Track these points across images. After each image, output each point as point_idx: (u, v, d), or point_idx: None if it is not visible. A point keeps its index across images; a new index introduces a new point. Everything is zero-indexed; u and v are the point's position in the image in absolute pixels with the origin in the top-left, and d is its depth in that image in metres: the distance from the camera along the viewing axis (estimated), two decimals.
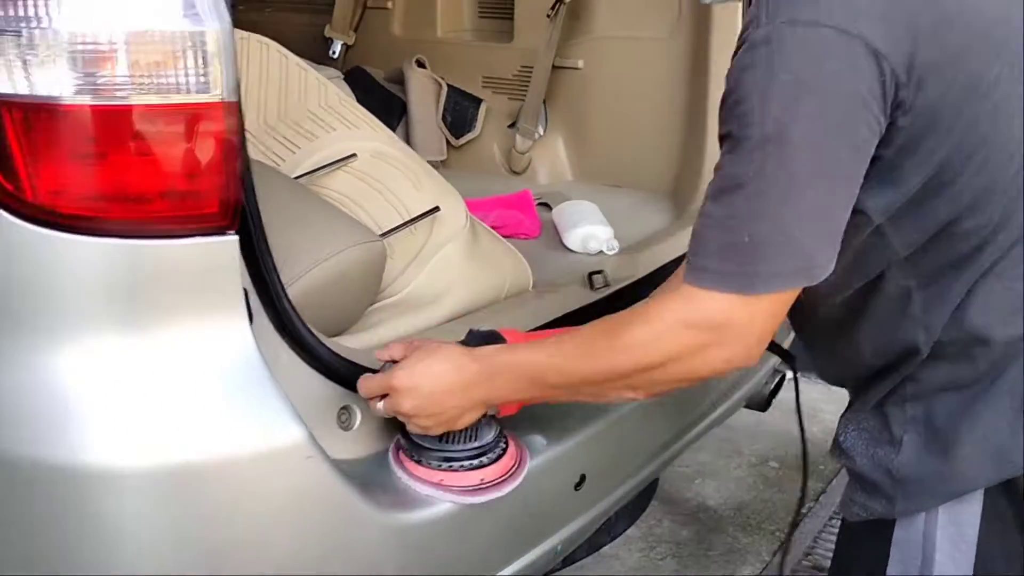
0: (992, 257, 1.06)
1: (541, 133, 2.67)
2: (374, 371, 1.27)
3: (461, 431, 1.22)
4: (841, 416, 1.26)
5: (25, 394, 1.03)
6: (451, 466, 1.22)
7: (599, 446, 1.45)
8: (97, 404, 1.04)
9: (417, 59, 2.77)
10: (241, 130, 1.02)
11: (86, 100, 0.96)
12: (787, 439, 3.23)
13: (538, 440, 1.36)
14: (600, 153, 2.62)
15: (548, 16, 2.54)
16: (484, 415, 1.21)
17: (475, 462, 1.23)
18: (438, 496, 1.21)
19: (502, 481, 1.24)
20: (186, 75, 0.97)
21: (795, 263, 0.99)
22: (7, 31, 0.94)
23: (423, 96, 2.71)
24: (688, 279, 1.01)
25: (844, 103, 0.95)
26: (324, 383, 1.22)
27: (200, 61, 0.97)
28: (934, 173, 1.01)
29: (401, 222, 1.62)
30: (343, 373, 1.24)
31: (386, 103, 2.71)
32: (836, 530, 2.67)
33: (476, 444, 1.23)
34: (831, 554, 2.60)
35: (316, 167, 1.66)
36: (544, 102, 2.66)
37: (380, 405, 1.19)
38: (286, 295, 1.16)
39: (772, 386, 2.22)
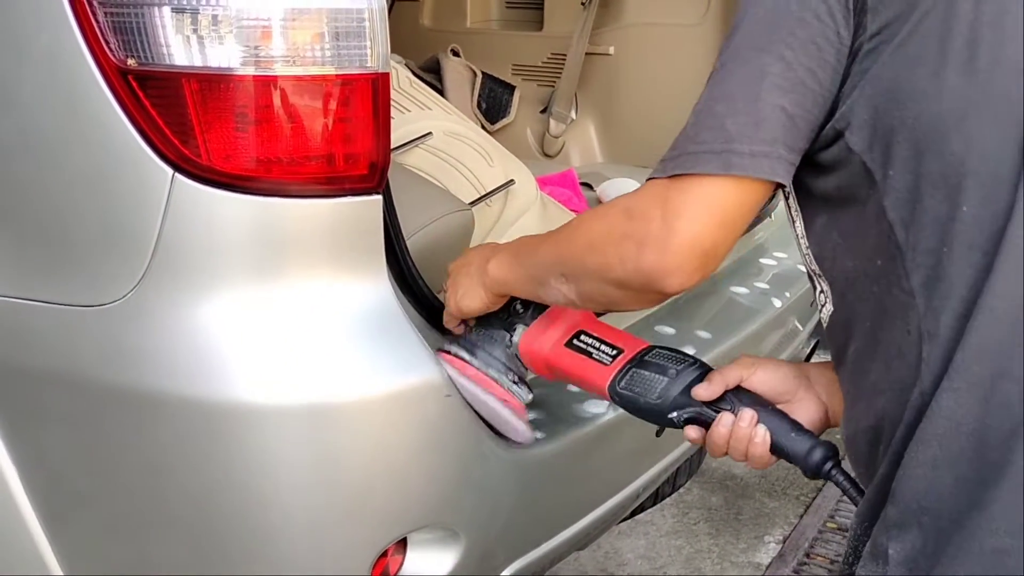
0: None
1: (574, 117, 2.78)
2: None
3: (484, 335, 1.23)
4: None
5: (190, 338, 1.13)
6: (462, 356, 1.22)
7: None
8: (250, 347, 1.14)
9: (452, 48, 2.88)
10: (388, 99, 1.13)
11: (254, 71, 1.07)
12: None
13: None
14: (630, 136, 2.73)
15: (583, 4, 2.65)
16: (509, 338, 1.22)
17: (487, 370, 1.21)
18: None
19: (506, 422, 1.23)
20: (347, 48, 1.07)
21: (712, 143, 0.86)
22: (186, 9, 1.05)
23: (458, 84, 2.81)
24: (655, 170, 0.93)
25: None
26: (437, 336, 1.33)
27: (358, 36, 1.08)
28: (915, 77, 0.82)
29: (477, 195, 1.73)
30: None
31: None
32: None
33: (488, 354, 1.21)
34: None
35: (396, 145, 1.76)
36: (575, 89, 2.77)
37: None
38: (409, 254, 1.27)
39: (808, 351, 2.35)
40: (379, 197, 1.15)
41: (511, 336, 1.22)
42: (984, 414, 0.81)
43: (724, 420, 1.04)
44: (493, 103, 2.82)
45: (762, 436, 1.02)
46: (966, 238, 0.81)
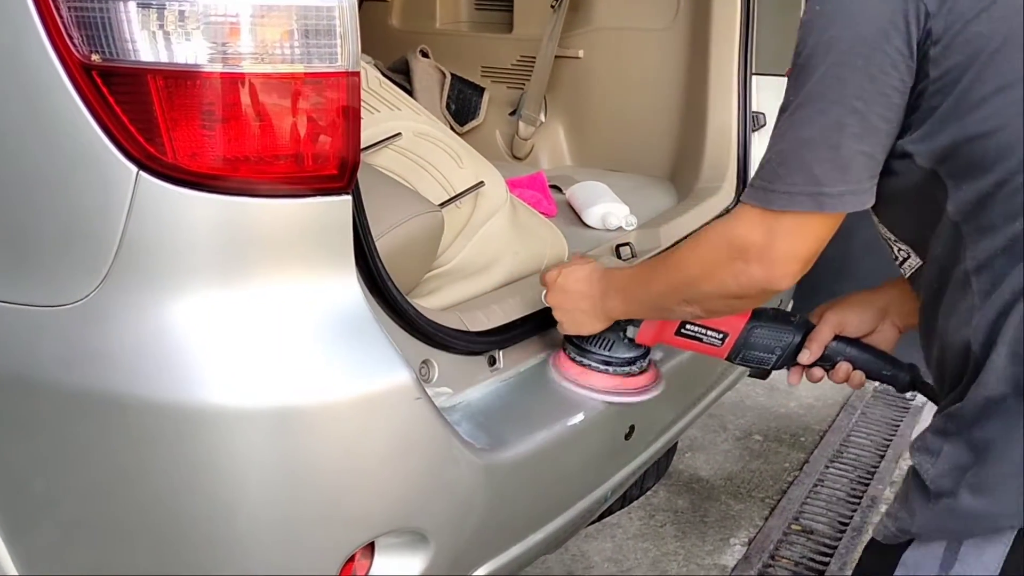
0: None
1: (543, 120, 2.78)
2: (452, 330, 1.37)
3: (601, 343, 1.46)
4: None
5: (155, 340, 1.11)
6: (593, 366, 1.47)
7: (645, 402, 1.57)
8: (217, 349, 1.12)
9: (421, 49, 2.87)
10: (359, 99, 1.11)
11: (221, 68, 1.05)
12: (768, 415, 3.39)
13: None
14: (599, 139, 2.74)
15: (552, 7, 2.65)
16: (621, 335, 1.44)
17: (608, 368, 1.47)
18: (586, 394, 1.46)
19: (635, 391, 1.48)
20: (316, 47, 1.06)
21: (804, 185, 1.03)
22: (153, 4, 1.03)
23: (428, 85, 2.80)
24: (743, 196, 1.11)
25: (863, 32, 0.98)
26: (407, 337, 1.32)
27: (328, 34, 1.06)
28: (972, 123, 0.97)
29: (446, 197, 1.72)
30: (423, 328, 1.34)
31: None
32: (821, 497, 2.85)
33: (607, 353, 1.46)
34: (818, 517, 2.77)
35: (365, 145, 1.75)
36: (544, 91, 2.76)
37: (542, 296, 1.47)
38: (378, 255, 1.26)
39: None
40: (348, 197, 1.14)
41: (625, 333, 1.45)
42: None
43: (817, 375, 1.40)
44: (462, 105, 2.81)
45: (858, 378, 1.37)
46: (1019, 247, 0.98)
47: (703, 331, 1.41)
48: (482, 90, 2.84)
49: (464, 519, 1.28)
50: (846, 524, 2.74)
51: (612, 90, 2.69)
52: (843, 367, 1.37)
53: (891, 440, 3.23)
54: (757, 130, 2.45)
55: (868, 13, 0.98)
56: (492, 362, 1.46)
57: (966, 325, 1.03)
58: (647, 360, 1.51)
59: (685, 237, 2.02)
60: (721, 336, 1.41)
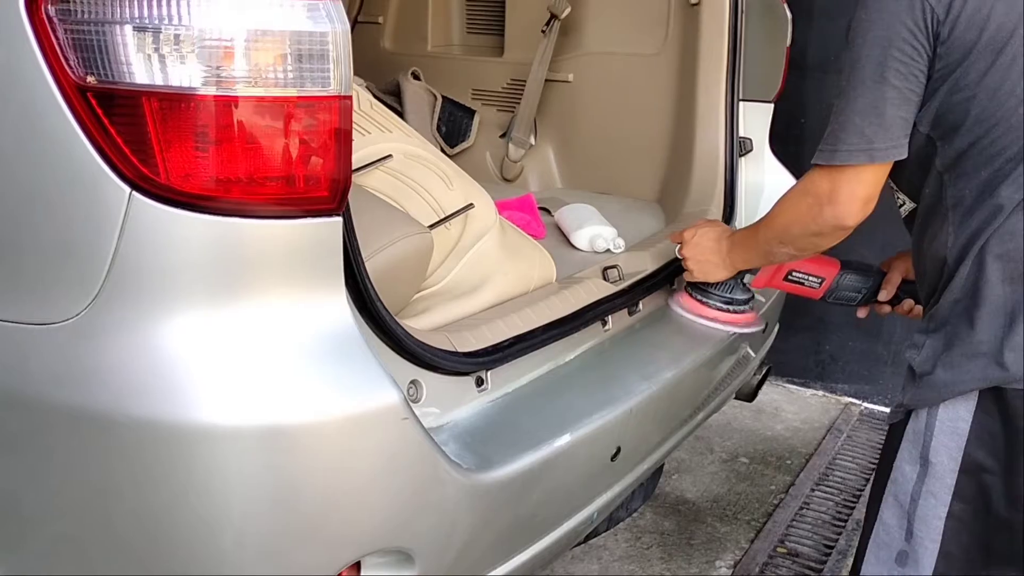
0: (1007, 201, 1.31)
1: (532, 143, 2.80)
2: (440, 350, 1.39)
3: (724, 287, 1.86)
4: None
5: (146, 358, 1.12)
6: (717, 305, 1.89)
7: (632, 421, 1.58)
8: (207, 368, 1.13)
9: (412, 71, 2.89)
10: (351, 121, 1.13)
11: (215, 91, 1.07)
12: (754, 437, 3.40)
13: (582, 417, 1.49)
14: (588, 162, 2.76)
15: (542, 31, 2.68)
16: (739, 282, 1.85)
17: (729, 307, 1.89)
18: (717, 326, 1.88)
19: (747, 324, 1.94)
20: (310, 71, 1.08)
21: (858, 143, 1.37)
22: (148, 27, 1.04)
23: (419, 107, 2.82)
24: (814, 158, 1.44)
25: (897, 31, 1.33)
26: (395, 357, 1.33)
27: (322, 58, 1.08)
28: (957, 100, 1.32)
29: (436, 218, 1.74)
30: (411, 349, 1.35)
31: None
32: (807, 520, 2.86)
33: (729, 296, 1.88)
34: (803, 540, 2.79)
35: (356, 167, 1.76)
36: (535, 114, 2.79)
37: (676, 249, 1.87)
38: (367, 275, 1.27)
39: (759, 378, 2.38)
40: (339, 219, 1.15)
41: (742, 279, 1.85)
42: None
43: (886, 309, 1.85)
44: (453, 127, 2.83)
45: (917, 311, 1.78)
46: (987, 189, 1.33)
47: (805, 277, 1.81)
48: (473, 112, 2.86)
49: (450, 539, 1.29)
50: (831, 547, 2.75)
51: (601, 114, 2.72)
52: (907, 303, 1.81)
53: (876, 464, 3.24)
54: (744, 155, 2.48)
55: (899, 18, 1.33)
56: (480, 383, 1.48)
57: (944, 247, 1.39)
58: (752, 304, 1.93)
59: (676, 260, 2.05)
60: (819, 281, 1.81)
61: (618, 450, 1.56)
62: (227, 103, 1.08)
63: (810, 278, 1.81)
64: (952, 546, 1.37)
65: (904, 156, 1.39)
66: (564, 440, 1.43)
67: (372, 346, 1.24)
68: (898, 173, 1.44)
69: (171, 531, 1.17)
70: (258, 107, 1.09)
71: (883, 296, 1.82)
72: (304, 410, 1.15)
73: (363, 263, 1.25)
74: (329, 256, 1.16)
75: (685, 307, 1.93)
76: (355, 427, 1.17)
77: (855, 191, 1.41)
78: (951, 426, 1.35)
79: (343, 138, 1.12)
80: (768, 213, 1.63)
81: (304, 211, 1.13)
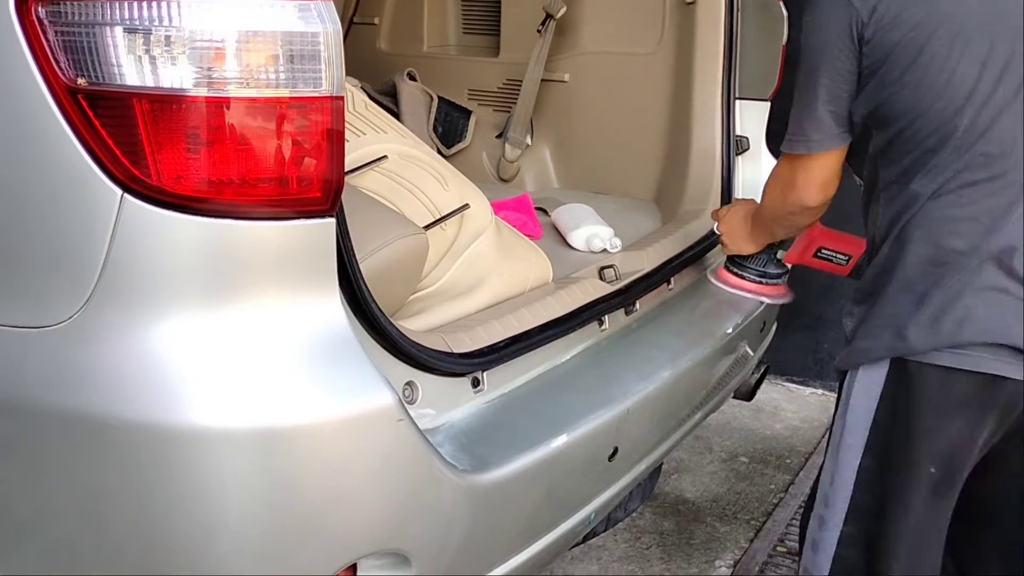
0: (924, 189, 1.44)
1: (529, 143, 2.79)
2: (436, 351, 1.38)
3: (758, 262, 2.01)
4: None
5: (139, 361, 1.11)
6: (752, 278, 2.02)
7: (630, 422, 1.58)
8: (201, 370, 1.13)
9: (408, 72, 2.89)
10: (343, 122, 1.13)
11: (206, 93, 1.06)
12: (754, 436, 3.40)
13: (579, 417, 1.48)
14: (585, 162, 2.76)
15: (538, 31, 2.68)
16: (773, 257, 2.00)
17: (763, 279, 2.02)
18: (749, 296, 2.03)
19: (778, 296, 2.06)
20: (301, 71, 1.07)
21: (800, 136, 1.56)
22: (139, 29, 1.04)
23: (414, 107, 2.82)
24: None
25: (826, 38, 1.48)
26: (390, 358, 1.32)
27: (313, 59, 1.07)
28: (885, 95, 1.45)
29: (431, 219, 1.73)
30: (406, 350, 1.35)
31: None
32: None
33: (763, 269, 2.02)
34: None
35: (350, 168, 1.76)
36: (531, 115, 2.78)
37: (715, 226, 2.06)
38: (362, 277, 1.26)
39: (757, 377, 2.38)
40: (332, 220, 1.15)
41: (775, 254, 2.01)
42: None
43: None
44: (449, 127, 2.83)
45: None
46: (907, 176, 1.46)
47: (833, 254, 1.94)
48: (469, 113, 2.86)
49: (446, 541, 1.28)
50: None
51: (598, 113, 2.71)
52: None
53: None
54: (741, 153, 2.48)
55: (830, 25, 1.47)
56: (476, 384, 1.47)
57: (874, 226, 1.54)
58: (784, 278, 2.06)
59: (673, 259, 2.05)
60: (846, 258, 1.92)
61: (615, 450, 1.56)
62: (219, 104, 1.07)
63: (837, 255, 1.93)
64: (862, 496, 1.52)
65: (843, 145, 1.55)
66: (561, 441, 1.43)
67: (367, 348, 1.24)
68: (850, 156, 1.60)
69: (166, 535, 1.16)
70: (250, 108, 1.08)
71: None
72: (298, 412, 1.14)
73: (357, 264, 1.25)
74: (323, 258, 1.16)
75: (722, 280, 2.07)
76: (350, 429, 1.16)
77: (810, 177, 1.59)
78: (866, 387, 1.51)
79: (336, 139, 1.12)
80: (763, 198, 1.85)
81: (297, 212, 1.12)
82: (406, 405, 1.34)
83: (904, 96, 1.42)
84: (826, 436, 3.30)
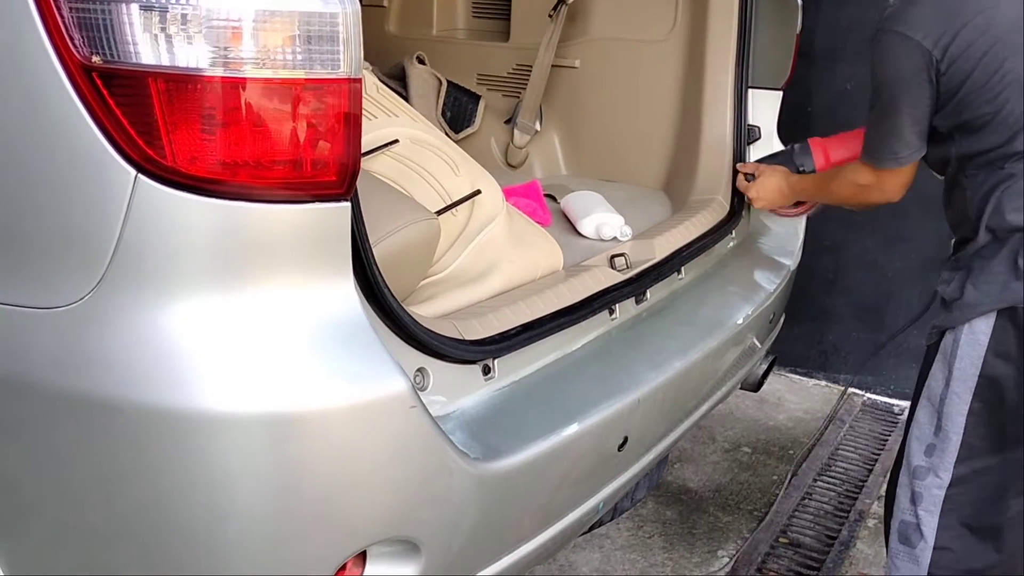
0: (1015, 169, 1.68)
1: (538, 129, 2.77)
2: (447, 338, 1.37)
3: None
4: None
5: (150, 344, 1.10)
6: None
7: (640, 411, 1.57)
8: (212, 354, 1.11)
9: (417, 56, 2.86)
10: (360, 106, 1.11)
11: (223, 73, 1.04)
12: (757, 426, 3.39)
13: (590, 406, 1.47)
14: (594, 149, 2.74)
15: (550, 16, 2.65)
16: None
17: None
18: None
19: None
20: (319, 52, 1.05)
21: (889, 154, 1.83)
22: (155, 7, 1.02)
23: (423, 91, 2.80)
24: (860, 157, 1.92)
25: (904, 72, 1.73)
26: (402, 344, 1.31)
27: (331, 40, 1.06)
28: (967, 110, 1.71)
29: (442, 204, 1.71)
30: (418, 336, 1.33)
31: None
32: (809, 510, 2.85)
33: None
34: (805, 530, 2.79)
35: (362, 152, 1.74)
36: (540, 100, 2.75)
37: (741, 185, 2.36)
38: (375, 262, 1.25)
39: (765, 368, 2.37)
40: (347, 204, 1.14)
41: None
42: None
43: None
44: (458, 112, 2.80)
45: None
46: (1001, 156, 1.72)
47: None
48: (478, 98, 2.83)
49: (456, 529, 1.28)
50: (833, 538, 2.74)
51: (608, 100, 2.69)
52: None
53: (879, 455, 3.23)
54: (752, 143, 2.46)
55: (906, 63, 1.73)
56: (487, 371, 1.46)
57: (964, 211, 1.77)
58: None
59: (683, 248, 2.04)
60: None
61: (625, 440, 1.55)
62: (234, 85, 1.06)
63: None
64: (972, 437, 1.72)
65: (923, 154, 1.82)
66: (572, 430, 1.42)
67: (380, 334, 1.23)
68: (928, 156, 1.83)
69: (175, 519, 1.15)
70: (266, 89, 1.07)
71: None
72: (310, 398, 1.13)
73: (371, 249, 1.23)
74: (337, 242, 1.15)
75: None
76: (362, 415, 1.15)
77: (896, 181, 1.88)
78: (972, 339, 1.70)
79: (352, 122, 1.10)
80: (827, 184, 2.11)
81: (312, 196, 1.11)
82: (418, 392, 1.34)
83: (985, 106, 1.68)
84: (827, 429, 3.34)
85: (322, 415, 1.14)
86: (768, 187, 2.29)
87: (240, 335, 1.12)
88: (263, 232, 1.11)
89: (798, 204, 2.35)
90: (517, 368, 1.52)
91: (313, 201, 1.11)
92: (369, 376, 1.16)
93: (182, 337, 1.11)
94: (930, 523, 1.76)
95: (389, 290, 1.27)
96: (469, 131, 2.81)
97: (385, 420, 1.16)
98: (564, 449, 1.42)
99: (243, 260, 1.11)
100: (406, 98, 2.80)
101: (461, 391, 1.40)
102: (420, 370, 1.34)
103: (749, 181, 2.34)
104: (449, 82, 2.83)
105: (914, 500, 1.77)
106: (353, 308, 1.16)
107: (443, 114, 2.81)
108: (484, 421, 1.39)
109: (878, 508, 2.89)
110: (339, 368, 1.15)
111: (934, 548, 1.76)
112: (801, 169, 2.28)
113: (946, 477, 1.74)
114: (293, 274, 1.13)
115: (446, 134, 2.82)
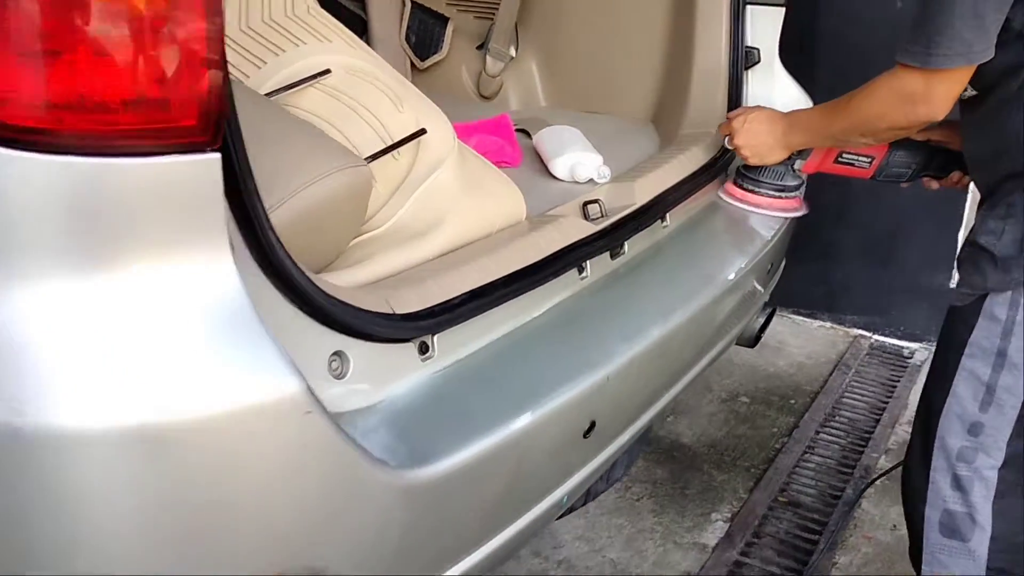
0: None
1: (513, 55, 2.52)
2: (371, 313, 1.13)
3: (774, 175, 1.93)
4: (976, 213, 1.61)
5: None
6: (769, 193, 1.96)
7: (609, 390, 1.33)
8: (56, 355, 0.88)
9: None
10: (223, 30, 0.85)
11: None
12: (756, 374, 3.19)
13: (549, 389, 1.24)
14: (575, 77, 2.51)
15: None
16: (791, 167, 1.91)
17: (780, 194, 1.95)
18: (766, 212, 1.95)
19: (796, 209, 2.01)
20: None
21: (959, 47, 1.44)
22: None
23: (385, 13, 2.55)
24: (897, 58, 1.52)
25: None
26: (312, 325, 1.08)
27: None
28: None
29: (383, 146, 1.46)
30: (334, 314, 1.10)
31: (344, 21, 2.53)
32: (810, 466, 2.66)
33: (781, 183, 1.93)
34: (807, 489, 2.59)
35: (285, 84, 1.49)
36: (515, 22, 2.51)
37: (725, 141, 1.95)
38: (270, 225, 1.01)
39: (762, 322, 2.14)
40: (217, 155, 0.89)
41: (793, 164, 1.92)
42: None
43: (934, 185, 1.94)
44: (423, 36, 2.55)
45: (965, 181, 1.88)
46: None
47: (855, 158, 1.87)
48: (446, 20, 2.57)
49: (375, 550, 1.05)
50: (837, 497, 2.55)
51: (590, 22, 2.44)
52: (955, 174, 1.88)
53: (887, 403, 3.03)
54: (750, 67, 2.22)
55: None
56: (424, 349, 1.22)
57: (1018, 135, 1.46)
58: (802, 189, 1.99)
59: (669, 191, 1.79)
60: (869, 160, 1.87)
61: (592, 425, 1.32)
62: (61, 2, 0.80)
63: (860, 158, 1.86)
64: None
65: (992, 55, 1.45)
66: (525, 419, 1.19)
67: (278, 316, 0.99)
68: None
69: (24, 557, 0.93)
70: (102, 9, 0.81)
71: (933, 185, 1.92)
72: (181, 405, 0.89)
73: (263, 209, 0.99)
74: (207, 205, 0.90)
75: (734, 196, 1.98)
76: (247, 423, 0.92)
77: (950, 90, 1.50)
78: None
79: (213, 49, 0.84)
80: (848, 103, 1.70)
81: (167, 146, 0.86)
82: (335, 379, 1.11)
83: None
84: (831, 375, 3.14)
85: (197, 425, 0.90)
86: (754, 130, 1.87)
87: (87, 330, 0.88)
88: (109, 195, 0.86)
89: (787, 192, 1.95)
90: (462, 344, 1.28)
91: (168, 153, 0.86)
92: (254, 375, 0.92)
93: (12, 336, 0.87)
94: (984, 510, 1.55)
95: (291, 258, 1.03)
96: (436, 58, 2.55)
97: (276, 428, 0.93)
98: (516, 442, 1.19)
99: (85, 232, 0.87)
100: (365, 21, 2.53)
101: (391, 376, 1.17)
102: (337, 354, 1.11)
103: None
104: (413, 2, 2.56)
105: (960, 486, 1.55)
106: (233, 288, 0.92)
107: (407, 39, 2.55)
108: (418, 412, 1.15)
109: (885, 463, 2.71)
110: (215, 366, 0.91)
111: (992, 538, 1.55)
112: (793, 167, 1.94)
113: (999, 457, 1.53)
114: (154, 249, 0.89)
115: (411, 62, 2.56)
